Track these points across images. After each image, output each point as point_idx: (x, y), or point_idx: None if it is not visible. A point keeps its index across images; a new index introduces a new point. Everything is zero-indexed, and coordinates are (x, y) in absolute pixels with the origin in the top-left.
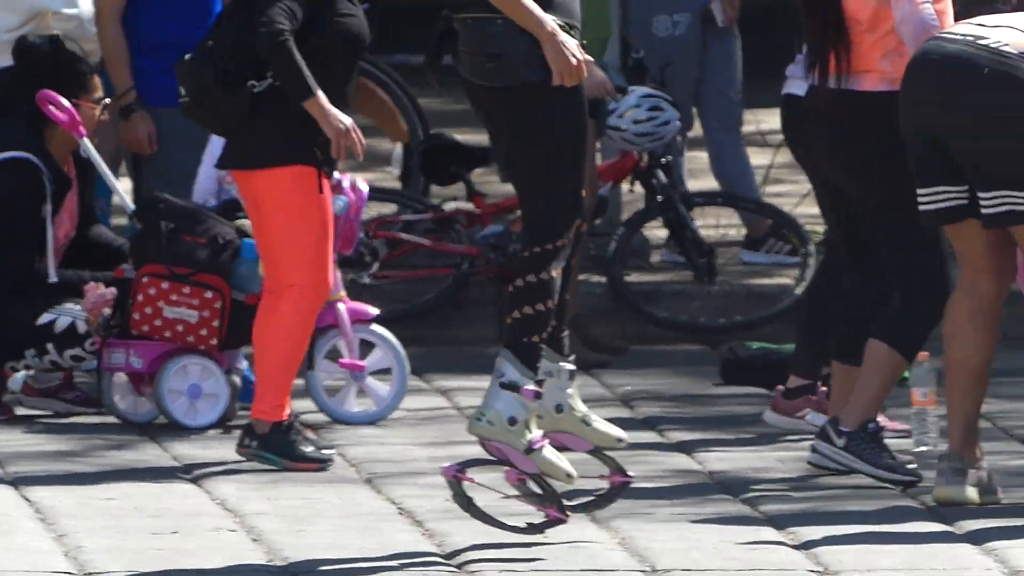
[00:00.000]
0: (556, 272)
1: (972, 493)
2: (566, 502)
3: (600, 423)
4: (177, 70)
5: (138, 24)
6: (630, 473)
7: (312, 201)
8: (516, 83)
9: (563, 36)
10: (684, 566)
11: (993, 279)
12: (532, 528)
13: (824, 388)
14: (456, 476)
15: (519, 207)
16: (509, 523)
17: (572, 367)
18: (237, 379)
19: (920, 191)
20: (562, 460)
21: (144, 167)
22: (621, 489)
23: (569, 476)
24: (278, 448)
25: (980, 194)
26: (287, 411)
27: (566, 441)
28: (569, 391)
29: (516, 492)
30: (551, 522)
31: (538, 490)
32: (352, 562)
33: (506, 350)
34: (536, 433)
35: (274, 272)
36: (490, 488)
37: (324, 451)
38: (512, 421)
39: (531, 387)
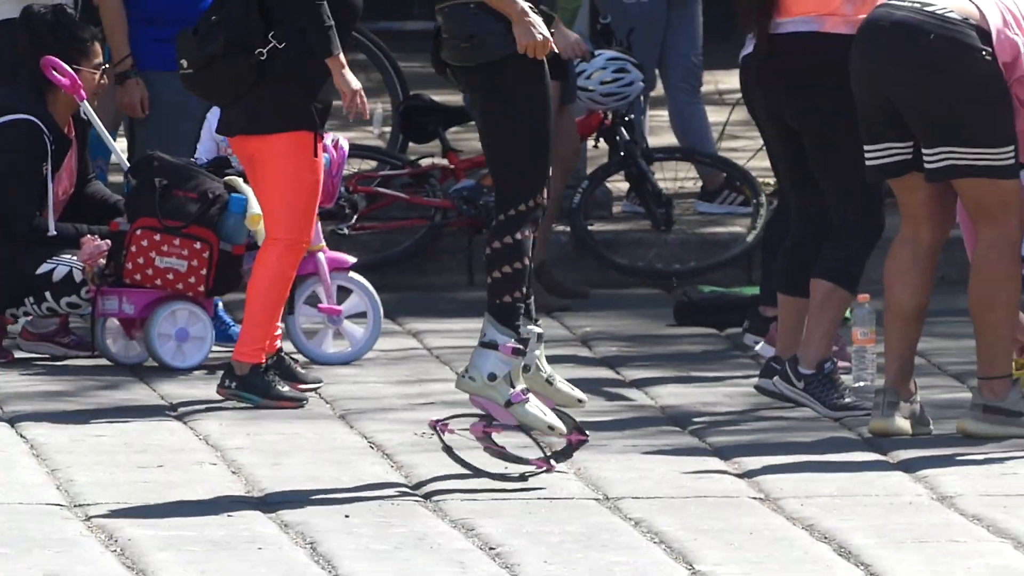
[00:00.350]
0: (528, 233)
1: (905, 424)
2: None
3: (563, 384)
4: (179, 42)
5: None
6: (586, 432)
7: (307, 164)
8: (489, 59)
9: (532, 16)
10: (635, 494)
11: (934, 228)
12: (519, 477)
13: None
14: (438, 428)
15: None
16: (488, 470)
17: (540, 330)
18: None
19: (867, 147)
20: (545, 413)
21: (139, 129)
22: (578, 446)
23: (551, 428)
24: (256, 388)
25: (924, 150)
26: (265, 355)
27: (489, 408)
28: (536, 352)
29: (483, 444)
30: (537, 471)
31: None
32: (325, 493)
33: (487, 312)
34: (516, 388)
35: (268, 227)
36: (468, 439)
37: (311, 384)
38: (492, 377)
39: (510, 344)
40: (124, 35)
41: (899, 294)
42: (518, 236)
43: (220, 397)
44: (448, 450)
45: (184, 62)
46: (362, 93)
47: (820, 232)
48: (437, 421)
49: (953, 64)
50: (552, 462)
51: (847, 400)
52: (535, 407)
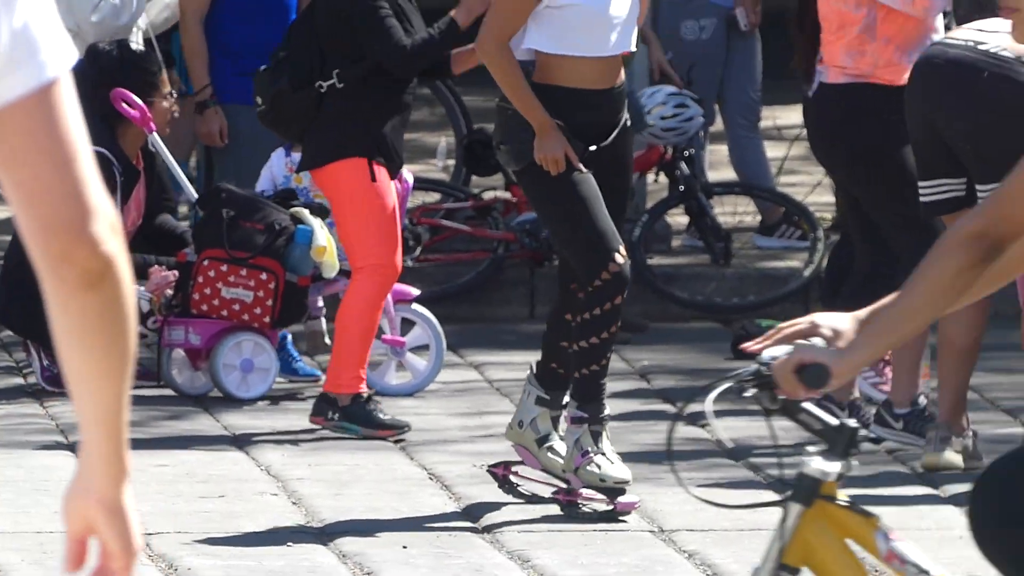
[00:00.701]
0: (609, 306)
1: (956, 459)
2: None
3: (554, 453)
4: (255, 80)
5: (218, 29)
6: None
7: (367, 189)
8: (514, 166)
9: (553, 131)
10: (690, 527)
11: None
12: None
13: None
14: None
15: None
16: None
17: (544, 395)
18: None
19: (922, 183)
20: (602, 468)
21: (217, 159)
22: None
23: (603, 480)
24: (358, 418)
25: (978, 187)
26: (364, 383)
27: (521, 454)
28: (535, 414)
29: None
30: (618, 512)
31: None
32: (384, 523)
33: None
34: (579, 454)
35: (351, 256)
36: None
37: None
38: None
39: (572, 413)
40: (204, 65)
41: (952, 329)
42: (598, 311)
43: (283, 427)
44: (506, 482)
45: (259, 99)
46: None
47: (888, 263)
48: (494, 465)
49: (1006, 101)
50: (625, 500)
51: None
52: (594, 467)
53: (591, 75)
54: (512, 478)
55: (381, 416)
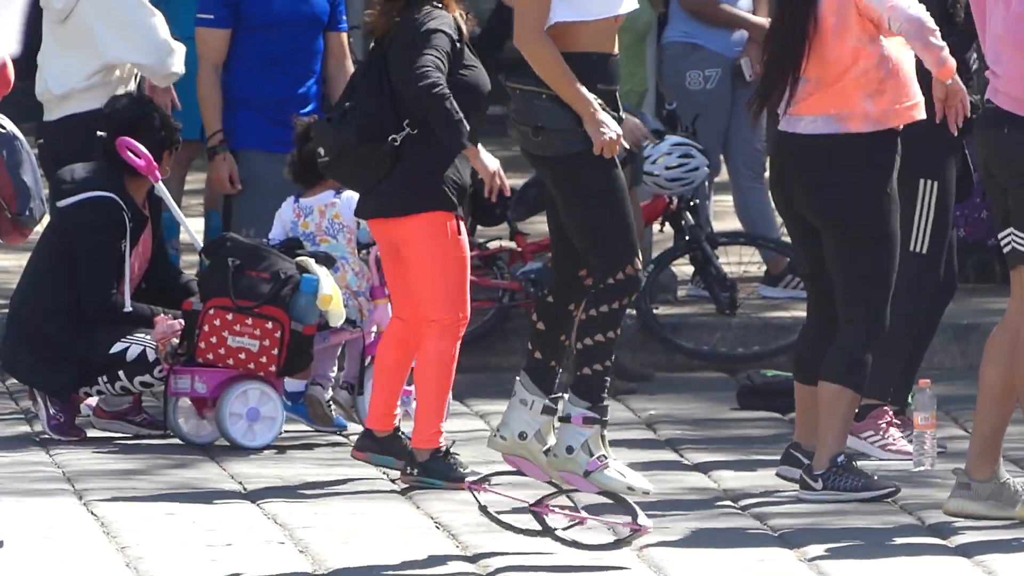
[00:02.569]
0: (619, 304)
1: (974, 507)
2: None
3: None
4: (315, 131)
5: (235, 78)
6: (648, 524)
7: (451, 243)
8: (556, 154)
9: (602, 114)
10: (694, 574)
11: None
12: (620, 542)
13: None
14: (474, 488)
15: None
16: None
17: (549, 404)
18: (326, 392)
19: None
20: (625, 475)
21: (236, 206)
22: (636, 536)
23: (631, 488)
24: (437, 472)
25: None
26: (443, 437)
27: (523, 467)
28: (539, 424)
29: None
30: (633, 535)
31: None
32: (391, 572)
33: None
34: (594, 455)
35: (407, 297)
36: (505, 497)
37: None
38: (569, 449)
39: (583, 414)
40: (217, 113)
41: (989, 375)
42: (606, 308)
43: (290, 476)
44: (484, 510)
45: (321, 150)
46: (500, 172)
47: (831, 326)
48: (473, 482)
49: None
50: (643, 523)
51: (869, 480)
52: (614, 471)
53: (608, 39)
54: (482, 495)
55: (459, 470)
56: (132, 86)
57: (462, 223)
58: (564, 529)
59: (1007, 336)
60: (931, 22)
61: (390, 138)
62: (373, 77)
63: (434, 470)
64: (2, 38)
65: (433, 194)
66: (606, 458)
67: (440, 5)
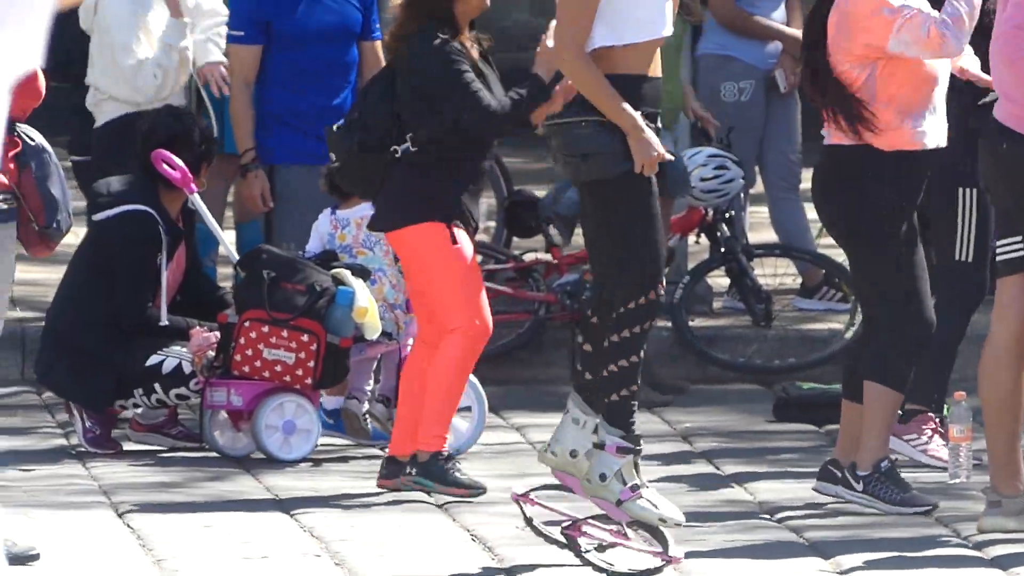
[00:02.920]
0: (641, 328)
1: (1005, 522)
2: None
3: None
4: (327, 137)
5: (269, 94)
6: (678, 556)
7: (447, 253)
8: (603, 176)
9: (647, 131)
10: None
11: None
12: (651, 572)
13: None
14: (521, 500)
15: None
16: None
17: (599, 421)
18: (363, 406)
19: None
20: (657, 506)
21: (276, 220)
22: (666, 565)
23: (663, 520)
24: (433, 475)
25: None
26: (446, 442)
27: (571, 484)
28: (590, 443)
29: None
30: (664, 565)
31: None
32: None
33: (602, 419)
34: (627, 485)
35: (429, 321)
36: (550, 511)
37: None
38: (603, 476)
39: (617, 443)
40: (248, 130)
41: (987, 390)
42: (629, 333)
43: (325, 488)
44: (530, 522)
45: (333, 155)
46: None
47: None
48: (519, 494)
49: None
50: (674, 554)
51: (909, 494)
52: (647, 501)
53: (648, 61)
54: (528, 507)
55: (458, 475)
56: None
57: (459, 231)
58: (596, 551)
59: (993, 352)
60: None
61: (391, 149)
62: (381, 90)
63: (431, 472)
64: (30, 50)
65: (425, 205)
66: (639, 487)
67: (447, 34)
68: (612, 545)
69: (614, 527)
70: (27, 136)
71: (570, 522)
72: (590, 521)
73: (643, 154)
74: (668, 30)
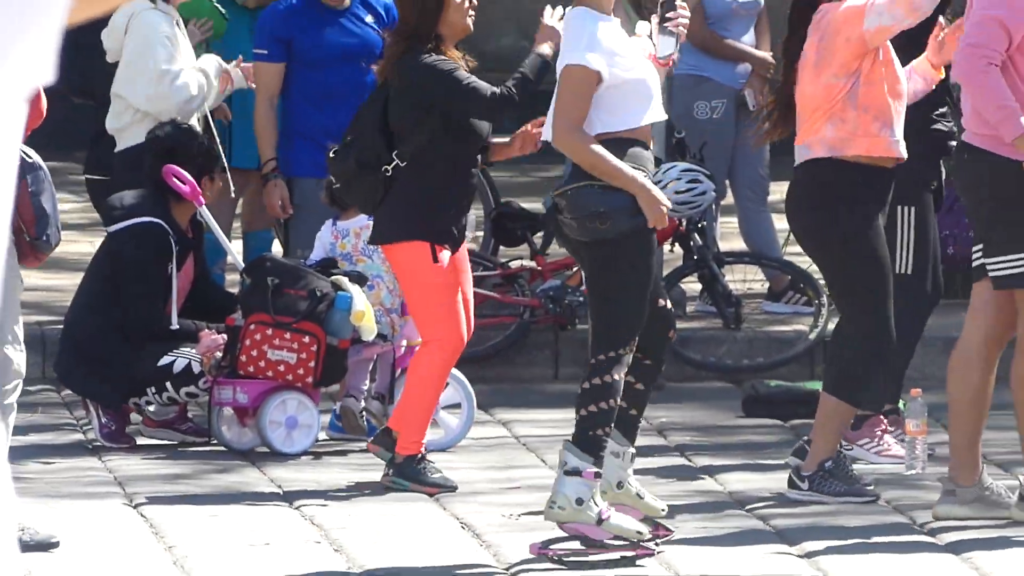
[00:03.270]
0: (619, 376)
1: (958, 510)
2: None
3: (649, 498)
4: (328, 161)
5: (290, 111)
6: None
7: (428, 270)
8: (621, 232)
9: (653, 188)
10: (704, 572)
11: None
12: (626, 560)
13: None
14: (542, 552)
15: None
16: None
17: (633, 451)
18: (359, 403)
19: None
20: (630, 522)
21: (291, 229)
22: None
23: (639, 533)
24: (407, 475)
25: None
26: (421, 446)
27: (623, 511)
28: (630, 470)
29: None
30: (643, 554)
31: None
32: (419, 569)
33: (568, 442)
34: (602, 505)
35: (419, 329)
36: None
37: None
38: (579, 501)
39: (592, 469)
40: (271, 143)
41: (954, 389)
42: (610, 378)
43: (326, 481)
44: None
45: (332, 177)
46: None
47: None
48: (536, 546)
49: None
50: (654, 545)
51: (853, 487)
52: (619, 519)
53: (644, 135)
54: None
55: (430, 475)
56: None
57: (443, 251)
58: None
59: (964, 352)
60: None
61: (383, 168)
62: (374, 113)
63: (406, 474)
64: (36, 66)
65: (412, 224)
66: (609, 506)
67: (439, 51)
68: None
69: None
70: (24, 154)
71: (542, 544)
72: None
73: (653, 209)
74: (661, 115)
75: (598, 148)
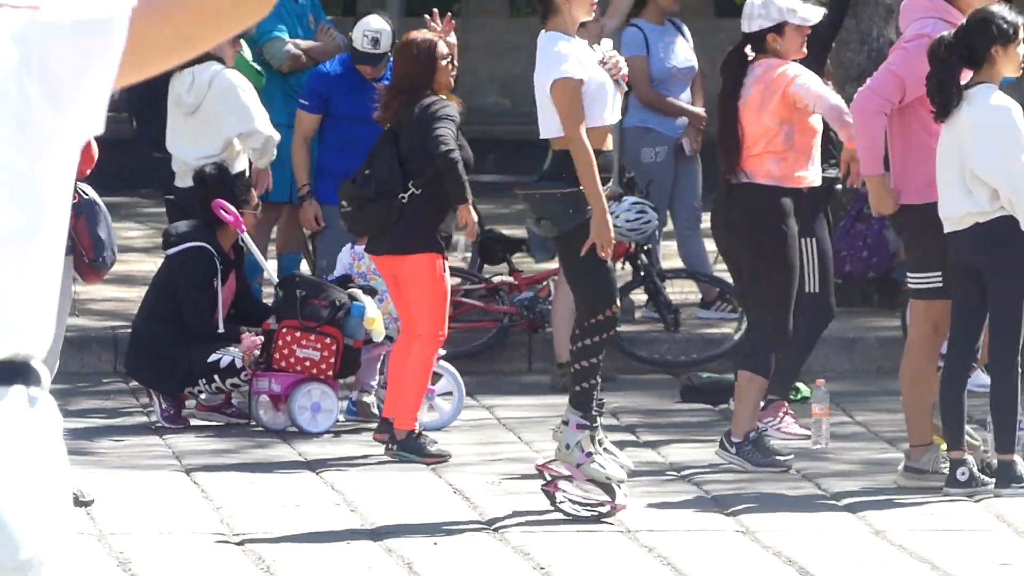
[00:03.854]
0: (599, 338)
1: (902, 479)
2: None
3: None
4: (341, 189)
5: (323, 151)
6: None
7: (436, 277)
8: (569, 228)
9: (608, 216)
10: (648, 527)
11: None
12: (600, 516)
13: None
14: (539, 468)
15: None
16: (576, 513)
17: (583, 421)
18: (370, 397)
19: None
20: (606, 467)
21: (318, 248)
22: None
23: (609, 478)
24: (411, 448)
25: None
26: (416, 422)
27: (568, 470)
28: (579, 437)
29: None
30: (613, 511)
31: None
32: (419, 526)
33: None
34: (584, 452)
35: (409, 324)
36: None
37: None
38: (567, 446)
39: (577, 421)
40: (306, 171)
41: (905, 394)
42: (590, 341)
43: (345, 453)
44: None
45: (344, 203)
46: (475, 224)
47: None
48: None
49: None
50: (619, 502)
51: (769, 458)
52: (599, 465)
53: (605, 138)
54: (557, 494)
55: (429, 448)
56: (244, 162)
57: (445, 263)
58: (569, 503)
59: (911, 346)
60: (845, 108)
61: (399, 196)
62: (388, 153)
63: (408, 447)
64: (91, 120)
65: (427, 239)
66: (592, 455)
67: (439, 96)
68: (579, 497)
69: (578, 483)
70: (82, 192)
71: (548, 481)
72: (563, 481)
73: (601, 234)
74: (616, 116)
75: (592, 160)
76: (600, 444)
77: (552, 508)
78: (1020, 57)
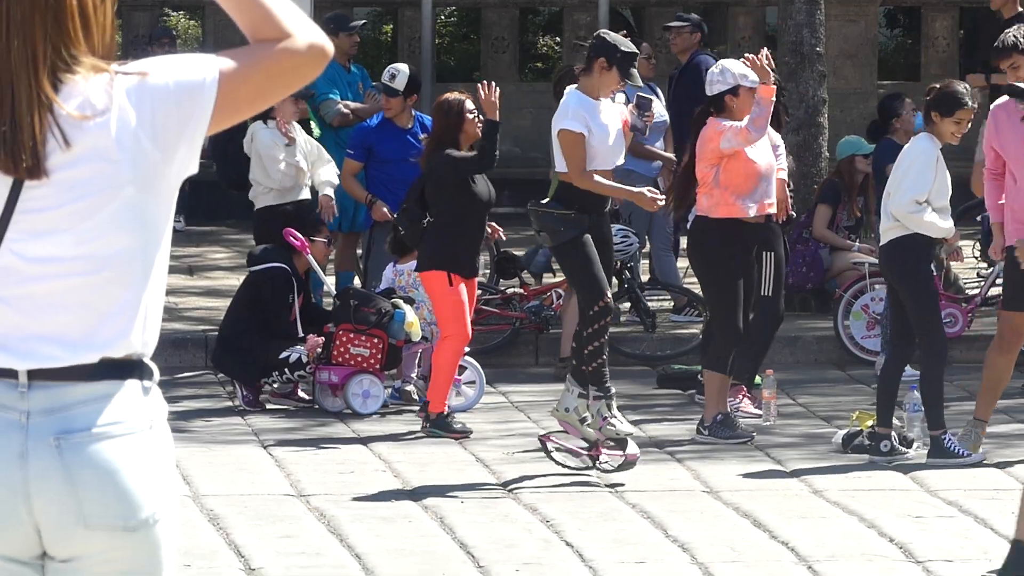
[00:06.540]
0: (600, 324)
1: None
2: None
3: (587, 426)
4: (397, 216)
5: (368, 188)
6: (636, 452)
7: (447, 290)
8: (564, 239)
9: (635, 191)
10: (633, 488)
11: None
12: (621, 466)
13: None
14: (541, 439)
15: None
16: (563, 462)
17: (583, 391)
18: (411, 386)
19: None
20: (617, 426)
21: (369, 265)
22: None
23: (619, 433)
24: (440, 426)
25: None
26: (446, 406)
27: (566, 427)
28: (577, 403)
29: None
30: (629, 462)
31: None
32: (449, 488)
33: (579, 377)
34: (601, 418)
35: (441, 327)
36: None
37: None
38: (567, 409)
39: (594, 392)
40: (362, 191)
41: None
42: (592, 328)
43: (390, 429)
44: (549, 454)
45: (399, 228)
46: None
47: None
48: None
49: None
50: (631, 452)
51: (735, 432)
52: (613, 425)
53: (610, 177)
54: (549, 444)
55: (455, 426)
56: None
57: (456, 277)
58: (552, 452)
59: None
60: (748, 125)
61: (423, 221)
62: (416, 190)
63: (438, 425)
64: (189, 163)
65: (437, 258)
66: (607, 418)
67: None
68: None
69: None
70: None
71: (588, 446)
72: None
73: (644, 200)
74: (619, 160)
75: (599, 178)
76: (611, 409)
77: (547, 457)
78: None
